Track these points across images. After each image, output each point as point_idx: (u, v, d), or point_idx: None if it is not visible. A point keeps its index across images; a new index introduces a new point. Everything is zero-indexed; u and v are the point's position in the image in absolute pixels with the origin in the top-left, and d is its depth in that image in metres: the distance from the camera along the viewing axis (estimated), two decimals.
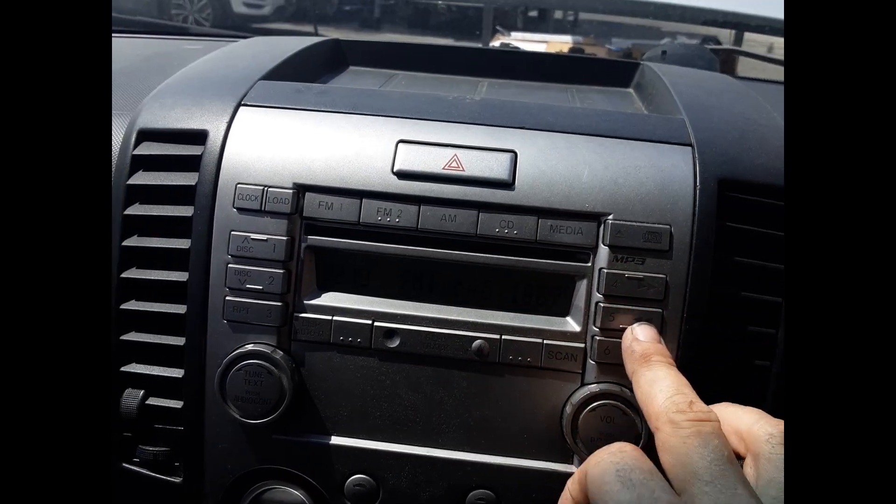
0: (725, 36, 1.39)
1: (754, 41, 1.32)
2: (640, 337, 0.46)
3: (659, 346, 0.45)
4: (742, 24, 1.25)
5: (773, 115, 0.58)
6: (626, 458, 0.38)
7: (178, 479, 0.52)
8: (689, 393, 0.40)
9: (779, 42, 1.30)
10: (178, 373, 0.50)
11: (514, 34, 1.69)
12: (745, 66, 1.24)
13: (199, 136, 0.51)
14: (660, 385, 0.41)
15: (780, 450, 0.37)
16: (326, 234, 0.50)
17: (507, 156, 0.50)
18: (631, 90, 0.75)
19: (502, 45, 1.57)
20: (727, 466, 0.35)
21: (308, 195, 0.49)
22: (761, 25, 1.25)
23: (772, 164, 0.51)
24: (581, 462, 0.49)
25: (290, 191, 0.49)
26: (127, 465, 0.52)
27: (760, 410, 0.41)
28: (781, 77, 1.05)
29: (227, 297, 0.49)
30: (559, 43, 1.57)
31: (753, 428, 0.39)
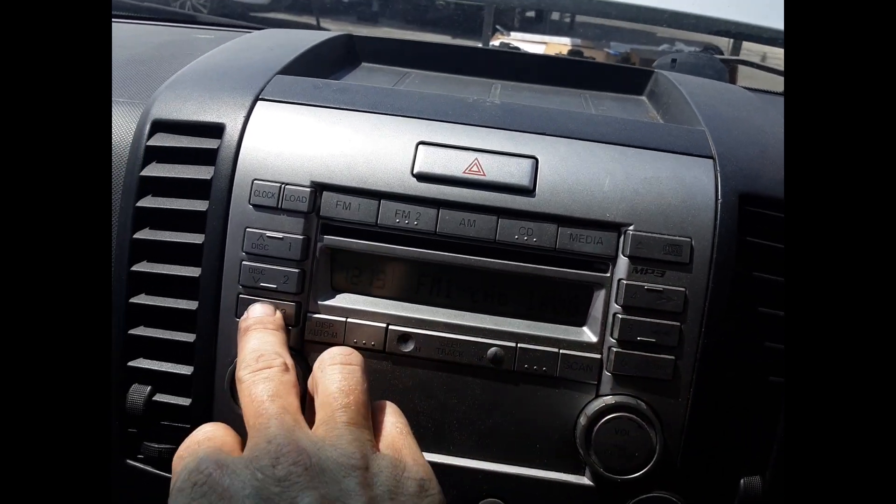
0: (724, 43, 1.39)
1: (749, 50, 1.33)
2: (251, 313, 0.47)
3: (266, 316, 0.47)
4: (743, 33, 1.26)
5: None
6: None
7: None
8: (263, 348, 0.43)
9: (773, 51, 1.31)
10: (187, 370, 0.49)
11: (514, 34, 1.69)
12: (743, 76, 1.24)
13: (216, 130, 0.50)
14: (242, 352, 0.44)
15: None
16: (343, 235, 0.49)
17: (529, 162, 0.49)
18: (644, 98, 0.75)
19: (502, 44, 1.57)
20: (275, 401, 0.39)
21: (325, 194, 0.48)
22: (761, 35, 1.26)
23: None
24: (592, 475, 0.48)
25: (308, 189, 0.48)
26: (131, 462, 0.51)
27: None
28: (778, 84, 1.06)
29: (241, 295, 0.48)
30: (558, 44, 1.57)
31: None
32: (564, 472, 0.49)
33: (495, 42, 1.57)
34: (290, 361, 0.43)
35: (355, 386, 0.41)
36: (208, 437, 0.39)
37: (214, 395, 0.49)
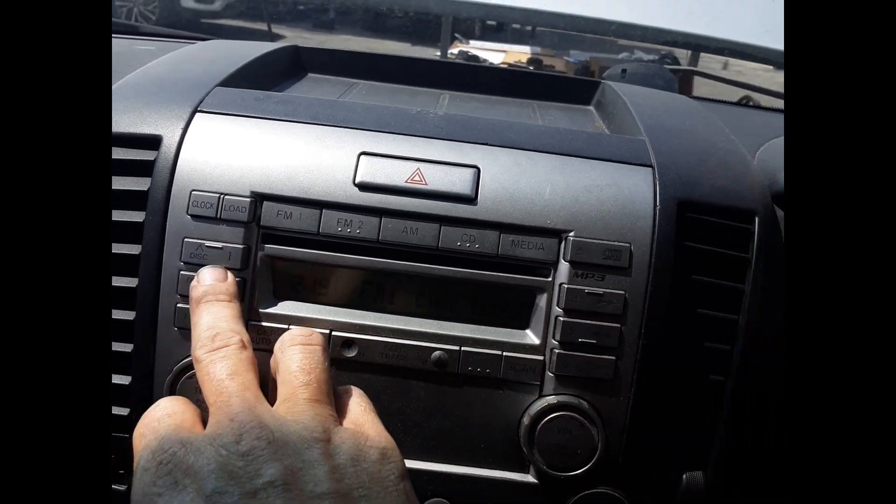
0: (682, 53, 1.42)
1: (712, 59, 1.36)
2: (202, 280, 0.46)
3: (217, 284, 0.45)
4: (701, 45, 1.28)
5: (732, 139, 0.59)
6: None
7: (123, 488, 0.50)
8: (218, 325, 0.42)
9: (733, 61, 1.34)
10: (125, 380, 0.49)
11: (473, 42, 1.70)
12: (699, 86, 1.27)
13: (153, 142, 0.50)
14: (196, 328, 0.43)
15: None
16: (284, 244, 0.49)
17: (470, 171, 0.50)
18: (591, 108, 0.76)
19: (461, 52, 1.58)
20: (234, 378, 0.39)
21: (266, 204, 0.48)
22: (719, 48, 1.29)
23: (730, 187, 0.52)
24: (536, 473, 0.49)
25: (248, 199, 0.48)
26: None
27: None
28: (735, 97, 1.08)
29: (179, 305, 0.48)
30: (518, 53, 1.59)
31: None
32: (509, 471, 0.50)
33: (454, 50, 1.58)
34: (245, 337, 0.42)
35: (316, 365, 0.41)
36: (167, 413, 0.39)
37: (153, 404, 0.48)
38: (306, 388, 0.40)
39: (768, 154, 0.62)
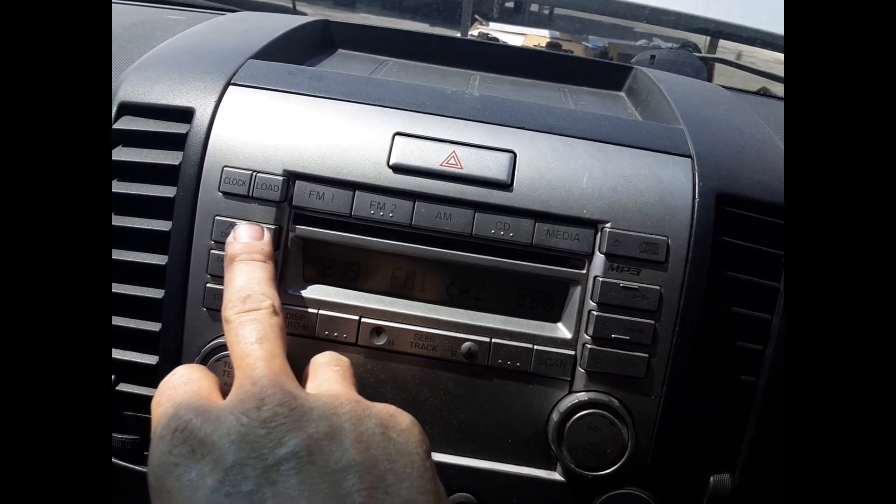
0: (701, 40, 1.40)
1: (725, 48, 1.34)
2: (238, 237, 0.45)
3: (254, 243, 0.45)
4: (721, 31, 1.26)
5: (769, 131, 0.58)
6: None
7: (145, 469, 0.50)
8: (251, 287, 0.42)
9: (748, 50, 1.32)
10: (152, 359, 0.48)
11: (493, 24, 1.68)
12: (719, 74, 1.25)
13: (186, 114, 0.49)
14: (229, 287, 0.42)
15: None
16: (316, 225, 0.48)
17: (507, 156, 0.48)
18: (623, 94, 0.75)
19: (480, 34, 1.56)
20: (262, 344, 0.38)
21: (298, 183, 0.47)
22: (740, 34, 1.26)
23: (770, 181, 0.51)
24: (564, 471, 0.48)
25: (280, 177, 0.47)
26: None
27: None
28: (752, 83, 1.06)
29: (209, 285, 0.47)
30: (536, 36, 1.57)
31: None
32: (536, 468, 0.49)
33: (474, 32, 1.55)
34: (277, 302, 0.42)
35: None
36: (185, 380, 0.38)
37: None
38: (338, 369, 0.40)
39: None
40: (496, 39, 1.50)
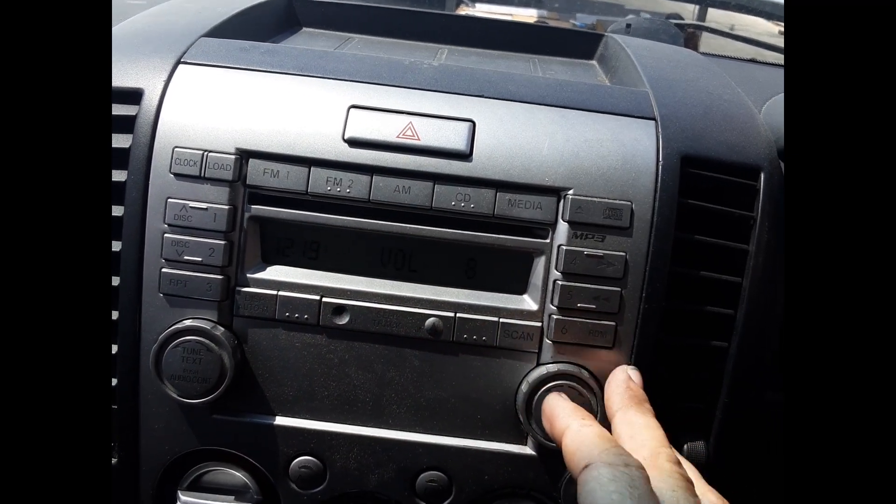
0: (688, 13, 1.38)
1: (716, 19, 1.32)
2: (635, 379, 0.46)
3: (644, 394, 0.45)
4: (707, 1, 1.24)
5: (738, 92, 0.57)
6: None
7: (112, 460, 0.49)
8: (672, 450, 0.41)
9: (741, 19, 1.29)
10: (111, 349, 0.47)
11: (479, 6, 1.66)
12: (707, 44, 1.23)
13: (134, 96, 0.47)
14: (652, 432, 0.41)
15: None
16: (271, 204, 0.47)
17: (465, 125, 0.47)
18: (594, 62, 0.73)
19: (467, 15, 1.54)
20: None
21: (252, 161, 0.46)
22: (725, 2, 1.25)
23: (736, 141, 0.49)
24: (535, 444, 0.47)
25: (233, 156, 0.46)
26: None
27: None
28: (743, 55, 1.04)
29: (164, 269, 0.46)
30: (524, 17, 1.55)
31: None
32: (506, 443, 0.48)
33: (460, 13, 1.54)
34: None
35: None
36: None
37: (140, 375, 0.47)
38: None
39: (774, 108, 0.60)
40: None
